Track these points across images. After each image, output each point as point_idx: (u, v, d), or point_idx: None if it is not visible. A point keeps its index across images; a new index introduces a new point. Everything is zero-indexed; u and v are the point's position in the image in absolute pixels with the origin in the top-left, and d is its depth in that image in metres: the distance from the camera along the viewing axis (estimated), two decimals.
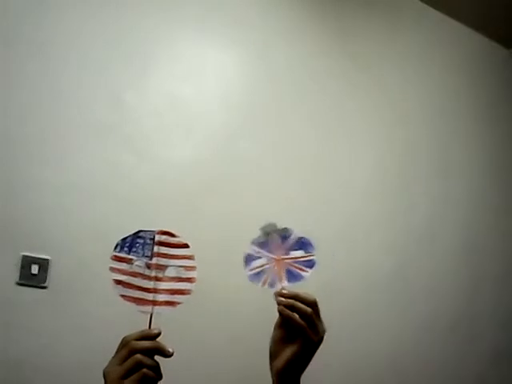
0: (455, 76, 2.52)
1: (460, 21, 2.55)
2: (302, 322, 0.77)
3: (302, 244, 0.95)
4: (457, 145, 2.46)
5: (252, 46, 1.93)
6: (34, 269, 1.45)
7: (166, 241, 0.84)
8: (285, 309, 0.80)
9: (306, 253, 0.94)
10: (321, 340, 0.79)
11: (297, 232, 0.96)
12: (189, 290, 0.80)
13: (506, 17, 2.50)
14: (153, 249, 0.81)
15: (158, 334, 0.75)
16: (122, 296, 0.78)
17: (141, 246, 0.81)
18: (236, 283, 1.77)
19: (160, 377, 0.74)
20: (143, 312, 0.77)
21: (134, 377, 0.70)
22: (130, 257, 0.80)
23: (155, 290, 0.78)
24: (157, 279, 0.79)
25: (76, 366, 1.47)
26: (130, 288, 0.78)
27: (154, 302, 0.78)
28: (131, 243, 0.82)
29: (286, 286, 0.84)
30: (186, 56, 1.79)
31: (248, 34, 1.93)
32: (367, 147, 2.16)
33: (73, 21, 1.61)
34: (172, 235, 0.86)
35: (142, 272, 0.79)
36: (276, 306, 0.83)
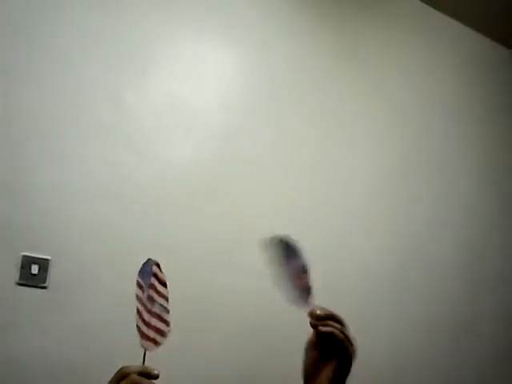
0: (455, 76, 2.51)
1: (460, 21, 2.55)
2: (342, 336, 0.79)
3: (298, 255, 0.95)
4: (457, 145, 2.46)
5: (252, 46, 1.93)
6: (34, 269, 1.45)
7: (156, 273, 0.82)
8: (326, 327, 0.80)
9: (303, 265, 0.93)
10: (355, 354, 0.81)
11: (293, 242, 0.95)
12: (166, 332, 0.78)
13: (506, 17, 2.50)
14: (150, 279, 0.81)
15: (157, 377, 0.75)
16: (137, 327, 0.78)
17: (147, 276, 0.81)
18: (236, 283, 1.77)
19: None
20: (142, 347, 0.78)
21: None
22: (142, 284, 0.81)
23: (148, 325, 0.78)
24: (149, 313, 0.79)
25: (76, 365, 1.47)
26: (141, 320, 0.78)
27: (148, 338, 0.78)
28: (143, 271, 0.82)
29: (314, 304, 0.84)
30: (185, 56, 1.79)
31: (248, 34, 1.93)
32: (367, 147, 2.16)
33: (73, 21, 1.61)
34: (160, 268, 0.83)
35: (145, 303, 0.79)
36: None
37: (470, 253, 2.41)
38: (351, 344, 0.80)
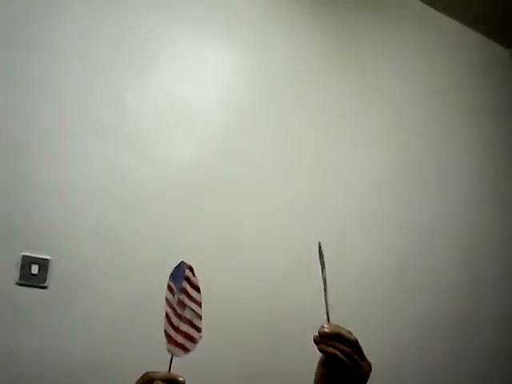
0: (455, 76, 2.51)
1: (460, 21, 2.55)
2: (345, 358, 0.77)
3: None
4: (456, 144, 2.46)
5: (252, 46, 1.93)
6: (34, 269, 1.45)
7: (189, 277, 0.79)
8: (326, 347, 0.78)
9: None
10: (366, 376, 0.79)
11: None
12: (197, 339, 0.76)
13: (506, 17, 2.50)
14: (182, 283, 0.78)
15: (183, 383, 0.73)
16: (164, 331, 0.75)
17: (178, 278, 0.79)
18: (236, 283, 1.77)
19: None
20: (169, 352, 0.75)
21: None
22: (173, 288, 0.78)
23: (177, 329, 0.75)
24: (179, 317, 0.76)
25: (76, 365, 1.47)
26: (168, 323, 0.76)
27: (175, 342, 0.75)
28: (175, 274, 0.79)
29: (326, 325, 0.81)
30: (185, 56, 1.79)
31: (248, 34, 1.93)
32: (367, 147, 2.16)
33: (73, 21, 1.61)
34: (193, 272, 0.80)
35: (175, 307, 0.76)
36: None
37: (469, 252, 2.40)
38: (359, 369, 0.77)
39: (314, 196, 1.99)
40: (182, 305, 0.77)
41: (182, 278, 0.78)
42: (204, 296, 1.81)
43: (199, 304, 0.78)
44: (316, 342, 0.79)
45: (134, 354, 1.52)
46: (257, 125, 1.90)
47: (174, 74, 1.76)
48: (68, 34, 1.59)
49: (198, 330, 0.76)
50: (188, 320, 0.76)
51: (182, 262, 0.80)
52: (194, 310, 0.77)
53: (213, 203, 1.75)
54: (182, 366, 1.72)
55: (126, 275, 1.57)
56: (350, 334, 0.79)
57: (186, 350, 0.75)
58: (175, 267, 0.80)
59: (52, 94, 1.55)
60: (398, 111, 2.29)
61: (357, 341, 0.79)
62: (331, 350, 0.77)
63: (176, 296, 0.77)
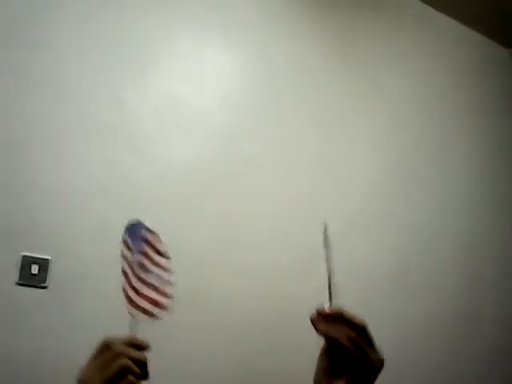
0: (455, 76, 2.51)
1: (460, 21, 2.55)
2: (348, 343, 0.63)
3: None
4: (456, 144, 2.46)
5: (252, 46, 1.93)
6: (34, 269, 1.45)
7: (152, 242, 0.75)
8: (327, 329, 0.64)
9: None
10: (375, 369, 0.65)
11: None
12: (165, 306, 0.72)
13: (506, 17, 2.50)
14: (141, 245, 0.74)
15: (147, 348, 0.67)
16: (123, 290, 0.71)
17: (137, 239, 0.74)
18: (235, 283, 1.77)
19: None
20: (130, 315, 0.71)
21: None
22: (131, 246, 0.73)
23: (138, 292, 0.71)
24: (141, 281, 0.72)
25: (76, 365, 1.47)
26: (127, 283, 0.71)
27: (137, 306, 0.70)
28: (132, 232, 0.74)
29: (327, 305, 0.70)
30: (185, 56, 1.79)
31: (248, 34, 1.93)
32: (367, 147, 2.16)
33: (73, 21, 1.61)
34: (157, 237, 0.76)
35: (135, 268, 0.72)
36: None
37: (469, 252, 2.40)
38: (365, 358, 0.63)
39: (314, 196, 1.99)
40: (144, 268, 0.72)
41: (140, 240, 0.74)
42: (204, 296, 1.81)
43: (167, 270, 0.74)
44: (313, 322, 0.66)
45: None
46: (257, 125, 1.90)
47: (174, 73, 1.76)
48: (68, 33, 1.60)
49: (167, 296, 0.72)
50: (153, 285, 0.72)
51: (137, 220, 0.75)
52: (160, 276, 0.73)
53: (213, 203, 1.75)
54: (181, 365, 1.72)
55: None
56: (358, 317, 0.66)
57: (151, 315, 0.71)
58: (131, 224, 0.74)
59: (52, 94, 1.55)
60: (398, 111, 2.29)
61: (365, 325, 0.65)
62: (333, 331, 0.64)
63: (135, 256, 0.72)
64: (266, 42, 1.96)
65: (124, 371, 0.62)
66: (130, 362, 0.63)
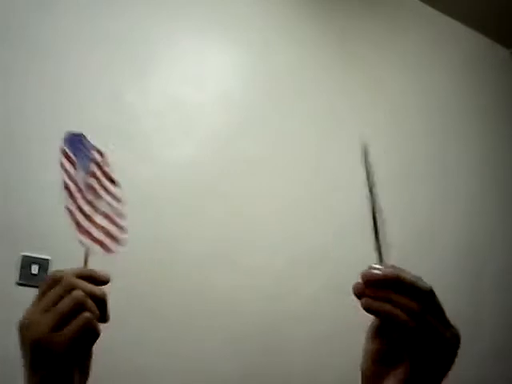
0: (455, 76, 2.51)
1: (460, 21, 2.55)
2: (409, 319, 0.44)
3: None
4: (456, 144, 2.45)
5: (252, 46, 1.93)
6: (34, 269, 1.45)
7: (99, 162, 0.63)
8: (376, 304, 0.45)
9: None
10: (452, 346, 0.48)
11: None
12: (119, 239, 0.62)
13: (506, 17, 2.50)
14: (89, 164, 0.62)
15: (107, 281, 0.55)
16: (67, 210, 0.59)
17: (82, 155, 0.62)
18: (236, 283, 1.77)
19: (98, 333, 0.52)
20: (81, 243, 0.62)
21: (73, 325, 0.48)
22: (74, 159, 0.61)
23: (91, 220, 0.61)
24: (92, 206, 0.61)
25: None
26: (73, 203, 0.60)
27: (90, 235, 0.61)
28: (76, 145, 0.62)
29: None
30: (186, 56, 1.79)
31: (248, 34, 1.93)
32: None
33: (73, 21, 1.61)
34: (105, 159, 0.64)
35: (82, 188, 0.60)
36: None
37: (470, 252, 2.40)
38: (437, 333, 0.45)
39: (314, 196, 1.99)
40: (94, 193, 0.61)
41: (89, 159, 0.62)
42: (204, 295, 1.81)
43: (119, 200, 0.64)
44: (357, 294, 0.48)
45: (134, 354, 1.52)
46: (257, 125, 1.90)
47: (174, 74, 1.76)
48: (68, 34, 1.60)
49: (122, 229, 0.62)
50: (106, 214, 0.62)
51: (82, 134, 0.62)
52: (112, 205, 0.63)
53: (213, 203, 1.75)
54: (181, 365, 1.72)
55: (126, 275, 1.57)
56: (421, 280, 0.48)
57: (106, 248, 0.61)
58: (73, 134, 0.62)
59: (52, 94, 1.55)
60: (398, 111, 2.29)
61: (432, 291, 0.48)
62: (386, 307, 0.45)
63: (81, 174, 0.60)
64: (266, 42, 1.96)
65: (78, 308, 0.49)
66: (84, 296, 0.50)
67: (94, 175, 0.61)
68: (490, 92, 2.63)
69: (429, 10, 2.47)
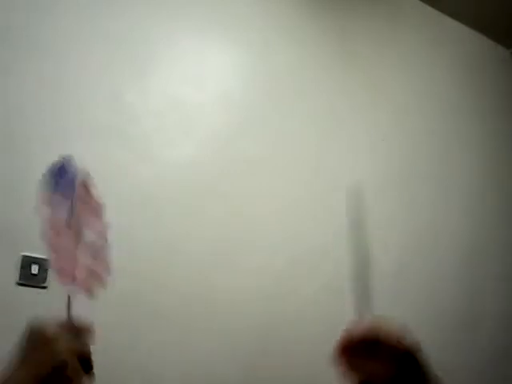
0: (455, 76, 2.51)
1: (460, 21, 2.55)
2: None
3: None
4: (457, 145, 2.45)
5: (252, 46, 1.93)
6: (34, 269, 1.45)
7: (85, 196, 0.57)
8: (353, 372, 0.46)
9: None
10: None
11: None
12: (103, 277, 0.54)
13: (506, 17, 2.50)
14: (72, 194, 0.56)
15: (90, 331, 0.53)
16: (50, 260, 0.53)
17: (66, 186, 0.56)
18: (236, 283, 1.77)
19: None
20: (64, 289, 0.56)
21: None
22: (54, 200, 0.55)
23: (74, 260, 0.54)
24: (76, 245, 0.54)
25: None
26: (56, 241, 0.53)
27: (74, 278, 0.54)
28: (59, 175, 0.56)
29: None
30: (186, 56, 1.79)
31: (248, 34, 1.93)
32: (367, 147, 2.16)
33: (73, 21, 1.61)
34: (88, 190, 0.57)
35: (64, 224, 0.54)
36: None
37: (470, 253, 2.40)
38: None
39: (314, 196, 1.99)
40: (79, 227, 0.53)
41: (73, 187, 0.56)
42: (204, 295, 1.80)
43: (105, 239, 0.56)
44: (337, 357, 0.49)
45: (133, 355, 1.52)
46: (257, 125, 1.90)
47: (175, 74, 1.76)
48: (68, 33, 1.59)
49: (107, 269, 0.54)
50: (90, 249, 0.54)
51: (68, 159, 0.54)
52: (97, 243, 0.55)
53: (212, 203, 1.75)
54: (181, 365, 1.72)
55: (126, 275, 1.56)
56: (401, 337, 0.45)
57: (89, 292, 0.53)
58: (61, 161, 0.56)
59: (52, 94, 1.55)
60: (398, 111, 2.29)
61: (409, 352, 0.46)
62: (363, 375, 0.46)
63: (61, 213, 0.54)
64: (266, 42, 1.96)
65: (62, 368, 0.51)
66: (65, 358, 0.50)
67: (79, 204, 0.55)
68: (491, 92, 2.63)
69: (429, 9, 2.46)
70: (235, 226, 1.79)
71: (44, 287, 1.47)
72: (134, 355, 1.52)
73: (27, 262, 1.44)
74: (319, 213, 1.99)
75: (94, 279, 0.54)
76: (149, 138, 1.68)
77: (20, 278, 1.44)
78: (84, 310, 0.56)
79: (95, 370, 0.56)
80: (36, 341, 0.53)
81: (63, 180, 0.56)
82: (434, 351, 2.40)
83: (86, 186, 0.58)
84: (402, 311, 2.15)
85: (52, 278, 1.48)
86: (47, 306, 1.45)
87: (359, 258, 0.52)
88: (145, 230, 1.62)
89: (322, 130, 2.06)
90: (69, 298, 0.56)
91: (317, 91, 2.07)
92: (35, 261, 1.45)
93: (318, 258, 1.88)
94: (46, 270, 1.46)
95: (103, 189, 1.71)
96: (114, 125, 1.63)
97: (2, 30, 1.50)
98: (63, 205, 0.54)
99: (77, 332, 0.54)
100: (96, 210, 0.58)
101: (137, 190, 1.63)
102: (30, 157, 1.50)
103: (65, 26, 1.59)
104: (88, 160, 1.70)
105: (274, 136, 1.93)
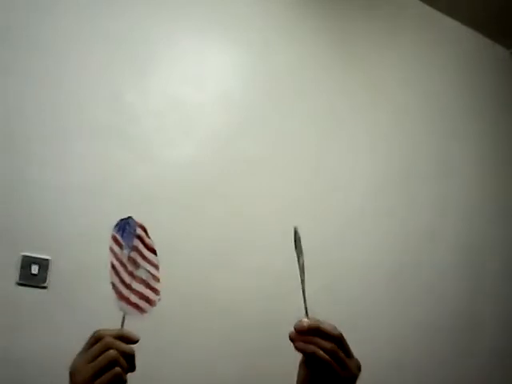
0: (455, 76, 2.51)
1: (460, 21, 2.55)
2: (327, 357, 0.66)
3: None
4: (456, 145, 2.45)
5: (252, 46, 1.93)
6: (34, 269, 1.45)
7: (142, 237, 0.78)
8: (304, 345, 0.68)
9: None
10: (353, 377, 0.68)
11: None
12: (154, 300, 0.75)
13: (506, 17, 2.50)
14: (133, 240, 0.77)
15: (137, 341, 0.70)
16: (112, 284, 0.74)
17: (128, 234, 0.77)
18: (236, 283, 1.77)
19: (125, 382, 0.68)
20: (120, 309, 0.73)
21: (106, 376, 0.64)
22: (121, 241, 0.76)
23: (130, 287, 0.74)
24: (132, 276, 0.75)
25: None
26: (117, 277, 0.74)
27: (128, 300, 0.73)
28: (123, 229, 0.77)
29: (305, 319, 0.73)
30: (186, 56, 1.79)
31: (248, 34, 1.93)
32: (367, 147, 2.16)
33: (73, 21, 1.61)
34: (147, 233, 0.79)
35: (125, 263, 0.75)
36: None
37: (469, 253, 2.40)
38: (344, 368, 0.66)
39: (314, 196, 1.99)
40: (134, 263, 0.75)
41: (133, 236, 0.77)
42: (204, 295, 1.80)
43: (156, 266, 0.77)
44: (292, 339, 0.70)
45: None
46: (257, 125, 1.90)
47: (175, 74, 1.76)
48: (68, 33, 1.59)
49: (156, 292, 0.75)
50: (143, 280, 0.75)
51: (130, 217, 0.78)
52: (149, 272, 0.76)
53: (212, 203, 1.75)
54: (181, 364, 1.72)
55: None
56: (334, 328, 0.69)
57: (141, 310, 0.74)
58: (122, 220, 0.78)
59: (52, 94, 1.55)
60: (398, 111, 2.29)
61: (341, 336, 0.69)
62: (310, 347, 0.67)
63: (125, 251, 0.75)
64: (266, 42, 1.96)
65: (111, 363, 0.65)
66: (117, 354, 0.65)
67: (136, 249, 0.77)
68: (490, 92, 2.63)
69: (429, 10, 2.46)
70: (235, 226, 1.79)
71: (44, 287, 1.47)
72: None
73: (27, 262, 1.44)
74: (319, 213, 1.99)
75: (144, 302, 0.74)
76: (149, 138, 1.68)
77: (20, 278, 1.44)
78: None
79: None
80: (92, 342, 0.68)
81: (127, 230, 0.77)
82: (434, 351, 2.41)
83: (145, 234, 0.79)
84: (401, 311, 2.15)
85: (51, 278, 1.48)
86: (47, 305, 1.46)
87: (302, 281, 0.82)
88: None
89: (322, 130, 2.06)
90: (124, 314, 0.73)
91: (317, 91, 2.07)
92: (35, 261, 1.45)
93: (318, 258, 1.87)
94: (46, 270, 1.46)
95: (103, 189, 1.72)
96: (114, 125, 1.63)
97: (2, 29, 1.50)
98: (128, 245, 0.77)
99: (126, 339, 0.69)
100: (151, 247, 0.79)
101: (137, 190, 1.63)
102: (29, 157, 1.50)
103: (65, 26, 1.59)
104: (88, 160, 1.71)
105: (274, 136, 1.93)
